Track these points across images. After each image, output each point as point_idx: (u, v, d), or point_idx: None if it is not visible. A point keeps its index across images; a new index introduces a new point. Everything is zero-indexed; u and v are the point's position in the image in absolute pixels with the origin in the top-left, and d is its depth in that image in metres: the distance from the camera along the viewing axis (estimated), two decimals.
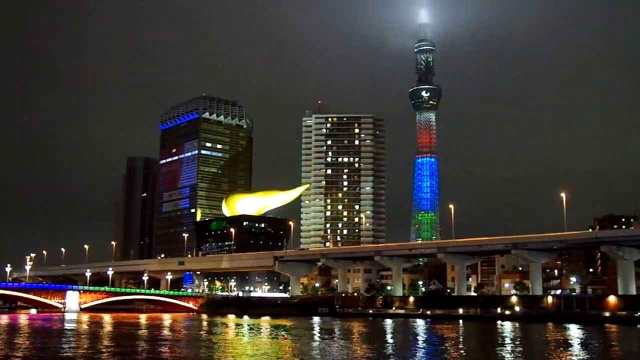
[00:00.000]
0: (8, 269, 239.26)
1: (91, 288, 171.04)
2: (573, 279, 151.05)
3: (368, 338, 75.40)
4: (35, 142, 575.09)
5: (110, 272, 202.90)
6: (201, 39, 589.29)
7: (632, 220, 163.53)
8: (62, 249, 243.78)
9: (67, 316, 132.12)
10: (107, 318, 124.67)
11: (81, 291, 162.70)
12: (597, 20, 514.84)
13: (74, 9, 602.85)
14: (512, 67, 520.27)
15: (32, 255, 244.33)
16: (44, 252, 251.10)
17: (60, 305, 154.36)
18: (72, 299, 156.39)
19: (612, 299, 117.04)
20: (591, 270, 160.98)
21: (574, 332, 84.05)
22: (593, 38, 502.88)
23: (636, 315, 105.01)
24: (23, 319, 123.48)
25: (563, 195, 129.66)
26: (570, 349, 61.28)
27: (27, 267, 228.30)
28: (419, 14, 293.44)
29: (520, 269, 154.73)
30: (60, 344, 63.38)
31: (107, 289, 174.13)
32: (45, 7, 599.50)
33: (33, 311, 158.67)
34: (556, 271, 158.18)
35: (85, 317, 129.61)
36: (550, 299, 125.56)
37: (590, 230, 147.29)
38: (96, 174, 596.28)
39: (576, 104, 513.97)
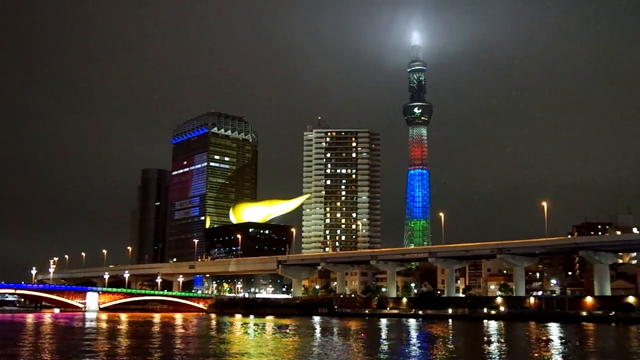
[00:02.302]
0: (33, 271, 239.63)
1: (109, 289, 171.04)
2: (553, 281, 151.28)
3: (364, 336, 75.51)
4: (60, 155, 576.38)
5: (126, 275, 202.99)
6: (210, 60, 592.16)
7: (607, 227, 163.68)
8: (83, 253, 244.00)
9: (88, 315, 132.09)
10: (124, 317, 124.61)
11: (100, 292, 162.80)
12: (578, 40, 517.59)
13: (98, 34, 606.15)
14: (498, 85, 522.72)
15: (55, 259, 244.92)
16: (66, 256, 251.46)
17: (81, 305, 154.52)
18: (92, 300, 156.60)
19: (589, 299, 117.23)
20: (570, 273, 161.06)
21: (554, 330, 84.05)
22: (573, 57, 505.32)
23: (611, 314, 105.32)
24: (48, 317, 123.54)
25: (544, 204, 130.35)
26: (550, 345, 61.50)
27: (51, 270, 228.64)
28: (412, 36, 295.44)
29: (504, 272, 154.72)
30: (83, 341, 63.68)
31: (123, 290, 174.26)
32: (71, 33, 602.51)
33: (56, 310, 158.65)
34: (538, 274, 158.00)
35: (104, 316, 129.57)
36: (532, 299, 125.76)
37: (569, 236, 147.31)
38: (114, 184, 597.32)
39: (556, 120, 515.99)
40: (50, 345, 58.60)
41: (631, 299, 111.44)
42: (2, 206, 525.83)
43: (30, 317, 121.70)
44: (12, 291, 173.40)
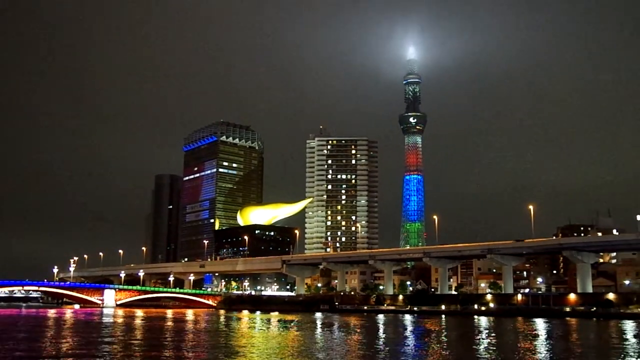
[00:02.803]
0: (55, 270, 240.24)
1: (125, 287, 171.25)
2: (539, 280, 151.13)
3: (363, 330, 75.89)
4: (79, 162, 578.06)
5: (141, 273, 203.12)
6: (219, 73, 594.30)
7: (589, 229, 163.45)
8: (101, 253, 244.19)
9: (105, 311, 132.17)
10: (139, 313, 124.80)
11: (117, 289, 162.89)
12: (562, 54, 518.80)
13: (119, 50, 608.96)
14: (490, 94, 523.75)
15: (75, 258, 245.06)
16: (85, 255, 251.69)
17: (99, 302, 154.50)
18: (109, 296, 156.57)
19: (572, 296, 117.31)
20: (555, 271, 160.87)
21: (540, 324, 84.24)
22: (562, 69, 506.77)
23: (592, 310, 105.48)
24: (68, 313, 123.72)
25: (531, 207, 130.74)
26: (537, 338, 61.79)
27: (71, 269, 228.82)
28: (408, 50, 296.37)
29: (494, 271, 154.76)
30: (102, 334, 64.19)
31: (138, 287, 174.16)
32: (93, 46, 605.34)
33: (76, 306, 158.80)
34: (525, 273, 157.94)
35: (120, 312, 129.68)
36: (520, 296, 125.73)
37: (554, 237, 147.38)
38: (129, 189, 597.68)
39: (546, 128, 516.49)
40: (73, 337, 59.11)
41: (611, 296, 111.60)
42: (27, 210, 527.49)
43: (52, 312, 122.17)
44: (36, 288, 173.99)
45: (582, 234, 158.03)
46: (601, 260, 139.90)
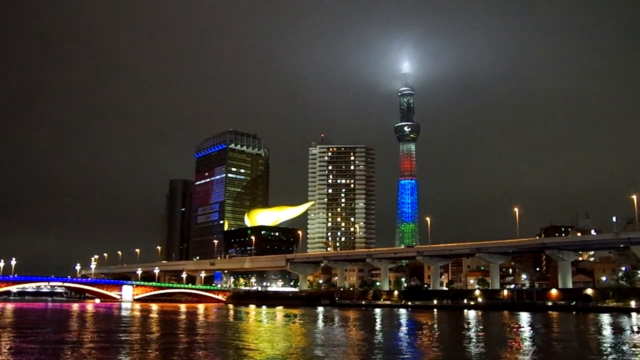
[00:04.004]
0: (78, 267, 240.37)
1: (142, 283, 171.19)
2: (524, 276, 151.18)
3: (361, 323, 76.30)
4: (99, 168, 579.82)
5: (156, 271, 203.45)
6: (228, 86, 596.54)
7: (569, 229, 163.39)
8: (119, 252, 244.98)
9: (124, 305, 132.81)
10: (154, 307, 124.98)
11: (134, 285, 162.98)
12: (545, 67, 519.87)
13: (138, 62, 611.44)
14: (479, 105, 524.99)
15: (96, 256, 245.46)
16: (105, 254, 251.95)
17: (118, 297, 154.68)
18: (127, 292, 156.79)
19: (553, 291, 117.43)
20: (538, 269, 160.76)
21: (524, 317, 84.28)
22: (545, 80, 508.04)
23: (572, 304, 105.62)
24: (90, 306, 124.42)
25: (516, 209, 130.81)
26: (521, 330, 62.14)
27: (92, 266, 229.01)
28: (403, 65, 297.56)
29: (482, 268, 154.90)
30: (122, 326, 64.77)
31: (154, 284, 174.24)
32: (114, 59, 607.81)
33: (97, 301, 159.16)
34: (510, 270, 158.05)
35: (137, 306, 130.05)
36: (505, 292, 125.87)
37: (537, 237, 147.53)
38: (145, 192, 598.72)
39: (529, 135, 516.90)
40: (96, 328, 59.78)
41: (589, 291, 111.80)
42: (53, 213, 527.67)
43: (75, 306, 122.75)
44: (61, 284, 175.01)
45: (563, 234, 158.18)
46: (580, 258, 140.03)
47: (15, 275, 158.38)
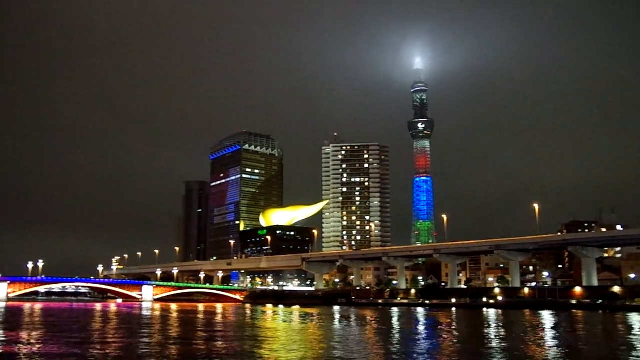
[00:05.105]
0: (100, 268, 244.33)
1: (161, 283, 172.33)
2: (545, 274, 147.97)
3: (378, 322, 74.88)
4: (119, 170, 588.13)
5: (175, 271, 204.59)
6: (241, 87, 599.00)
7: (593, 225, 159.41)
8: (139, 253, 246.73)
9: (144, 305, 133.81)
10: (174, 306, 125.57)
11: (154, 286, 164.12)
12: (564, 57, 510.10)
13: (147, 64, 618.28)
14: (493, 99, 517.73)
15: (117, 257, 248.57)
16: (126, 255, 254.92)
17: (139, 297, 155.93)
18: (147, 292, 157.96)
19: (577, 289, 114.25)
20: (560, 266, 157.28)
21: (547, 317, 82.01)
22: (562, 73, 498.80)
23: (598, 302, 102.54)
24: (113, 306, 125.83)
25: (536, 205, 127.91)
26: (544, 330, 60.08)
27: (114, 267, 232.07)
28: (415, 61, 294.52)
29: (501, 266, 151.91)
30: (144, 324, 64.46)
31: (173, 284, 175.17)
32: (133, 68, 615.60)
33: (119, 300, 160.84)
34: (531, 267, 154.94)
35: (157, 305, 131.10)
36: (526, 290, 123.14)
37: (559, 233, 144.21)
38: (162, 195, 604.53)
39: (547, 129, 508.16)
40: (121, 326, 59.87)
41: (616, 289, 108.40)
42: (77, 216, 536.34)
43: (99, 306, 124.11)
44: (85, 285, 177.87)
45: (587, 230, 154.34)
46: (606, 255, 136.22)
47: (43, 277, 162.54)
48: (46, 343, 42.64)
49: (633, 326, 63.73)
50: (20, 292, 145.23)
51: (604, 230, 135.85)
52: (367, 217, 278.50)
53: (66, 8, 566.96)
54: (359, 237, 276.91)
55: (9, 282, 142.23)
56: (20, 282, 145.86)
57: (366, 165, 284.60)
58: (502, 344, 45.08)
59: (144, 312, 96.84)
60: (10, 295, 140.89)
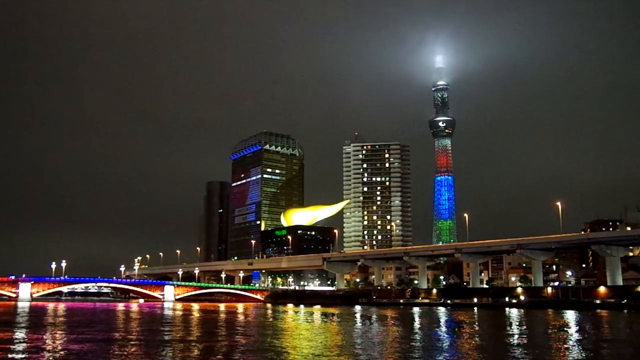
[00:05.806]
0: (122, 268, 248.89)
1: (183, 283, 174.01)
2: (569, 273, 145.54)
3: (399, 322, 75.10)
4: (140, 171, 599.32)
5: (196, 271, 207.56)
6: (262, 87, 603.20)
7: (617, 223, 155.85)
8: (161, 253, 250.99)
9: (166, 305, 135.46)
10: (195, 306, 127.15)
11: (175, 285, 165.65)
12: (590, 55, 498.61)
13: (168, 64, 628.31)
14: (516, 98, 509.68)
15: (139, 258, 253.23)
16: (147, 255, 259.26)
17: (160, 296, 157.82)
18: (169, 292, 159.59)
19: (602, 289, 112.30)
20: (584, 265, 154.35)
21: (571, 316, 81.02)
22: (585, 71, 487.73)
23: (623, 302, 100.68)
24: (135, 306, 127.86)
25: (559, 203, 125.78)
26: (568, 330, 59.44)
27: (136, 267, 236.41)
28: (436, 59, 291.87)
29: (524, 265, 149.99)
30: (166, 324, 66.06)
31: (194, 284, 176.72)
32: (155, 72, 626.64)
33: (141, 300, 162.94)
34: (554, 266, 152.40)
35: (179, 305, 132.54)
36: (549, 289, 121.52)
37: (582, 232, 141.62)
38: (184, 195, 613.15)
39: (571, 128, 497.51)
40: (143, 326, 61.23)
41: None
42: (100, 216, 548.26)
43: (121, 306, 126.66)
44: (107, 284, 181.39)
45: (611, 229, 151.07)
46: (630, 254, 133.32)
47: (66, 277, 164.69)
48: (74, 342, 44.11)
49: None
50: (43, 292, 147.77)
51: (628, 228, 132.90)
52: (388, 217, 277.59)
53: (96, 5, 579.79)
54: (380, 237, 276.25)
55: (32, 282, 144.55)
56: (43, 282, 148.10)
57: (387, 165, 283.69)
58: (526, 346, 45.05)
59: (166, 312, 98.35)
60: (34, 295, 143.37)
